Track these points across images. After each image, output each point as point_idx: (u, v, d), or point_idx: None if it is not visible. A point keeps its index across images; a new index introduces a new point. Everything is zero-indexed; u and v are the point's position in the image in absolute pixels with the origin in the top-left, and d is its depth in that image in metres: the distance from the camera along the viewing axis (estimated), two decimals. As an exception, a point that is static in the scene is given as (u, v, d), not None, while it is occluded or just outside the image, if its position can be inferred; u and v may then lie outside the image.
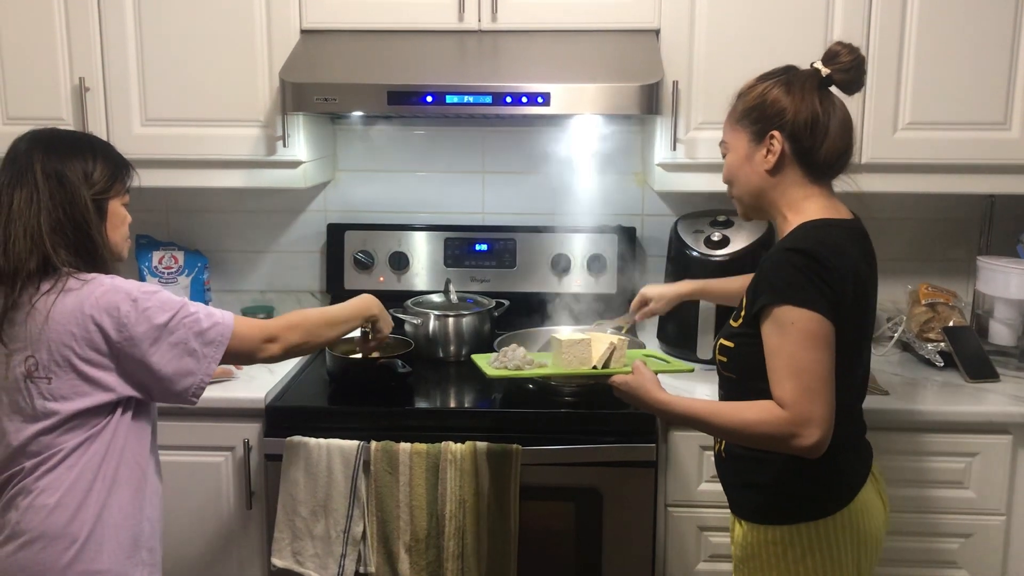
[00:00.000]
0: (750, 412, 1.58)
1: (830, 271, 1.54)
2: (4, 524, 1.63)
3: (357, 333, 2.13)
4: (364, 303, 2.02)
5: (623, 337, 2.08)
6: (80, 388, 1.62)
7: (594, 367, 2.00)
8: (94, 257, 1.66)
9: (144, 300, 1.63)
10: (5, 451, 1.65)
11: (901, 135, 2.36)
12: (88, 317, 1.60)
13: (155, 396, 1.69)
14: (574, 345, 2.02)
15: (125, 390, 1.65)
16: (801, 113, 1.63)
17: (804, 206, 1.66)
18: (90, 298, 1.60)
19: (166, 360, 1.64)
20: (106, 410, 1.64)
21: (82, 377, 1.61)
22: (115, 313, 1.60)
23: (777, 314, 1.55)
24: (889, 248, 2.65)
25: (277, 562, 2.14)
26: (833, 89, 1.68)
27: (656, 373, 1.81)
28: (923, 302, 2.57)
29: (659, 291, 2.27)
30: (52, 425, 1.61)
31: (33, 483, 1.61)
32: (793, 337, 1.53)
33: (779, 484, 1.66)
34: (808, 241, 1.59)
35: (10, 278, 1.61)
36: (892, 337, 2.57)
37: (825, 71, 1.66)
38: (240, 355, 1.76)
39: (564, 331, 2.34)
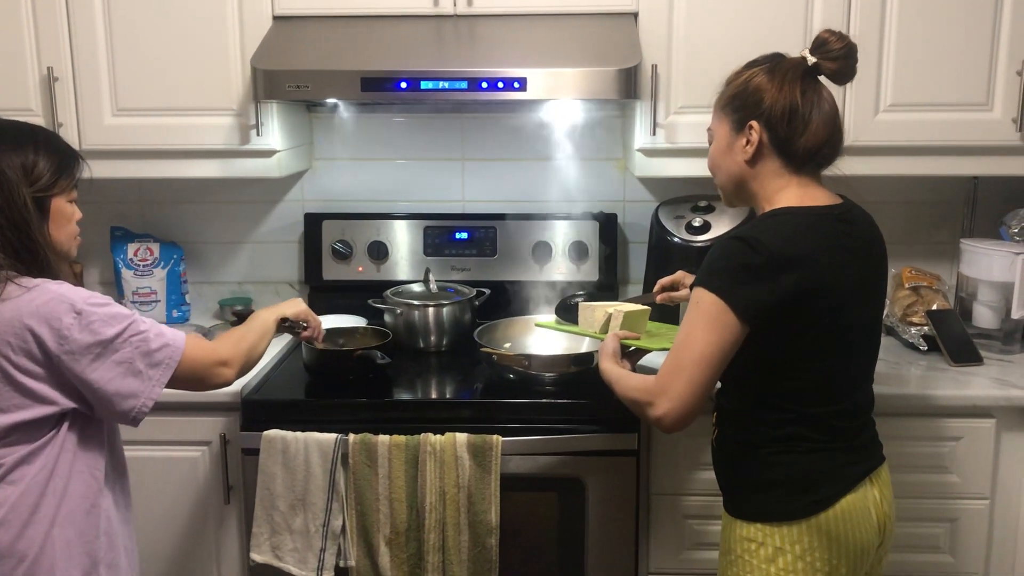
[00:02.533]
0: (635, 380, 1.67)
1: (759, 257, 1.52)
2: None
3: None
4: (264, 312, 1.95)
5: (635, 308, 2.06)
6: (18, 400, 1.53)
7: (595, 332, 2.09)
8: (35, 258, 1.56)
9: (89, 313, 1.53)
10: None
11: (883, 117, 2.33)
12: (25, 327, 1.50)
13: (97, 412, 1.59)
14: (586, 309, 2.14)
15: (67, 403, 1.56)
16: (779, 103, 1.60)
17: (777, 197, 1.64)
18: (30, 306, 1.51)
19: (107, 378, 1.55)
20: (50, 423, 1.56)
21: (19, 389, 1.52)
22: (56, 324, 1.51)
23: (694, 294, 1.58)
24: (872, 232, 2.63)
25: (256, 557, 2.11)
26: (824, 80, 1.64)
27: (632, 349, 1.89)
28: (906, 285, 2.55)
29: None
30: None
31: None
32: (693, 316, 1.56)
33: (755, 480, 1.64)
34: (751, 228, 1.58)
35: None
36: (875, 321, 2.55)
37: (812, 60, 1.62)
38: (190, 380, 1.67)
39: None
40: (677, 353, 1.56)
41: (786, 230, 1.57)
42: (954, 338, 2.37)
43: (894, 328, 2.52)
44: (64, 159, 1.64)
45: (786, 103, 1.59)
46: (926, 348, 2.40)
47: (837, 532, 1.60)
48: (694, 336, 1.55)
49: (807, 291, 1.54)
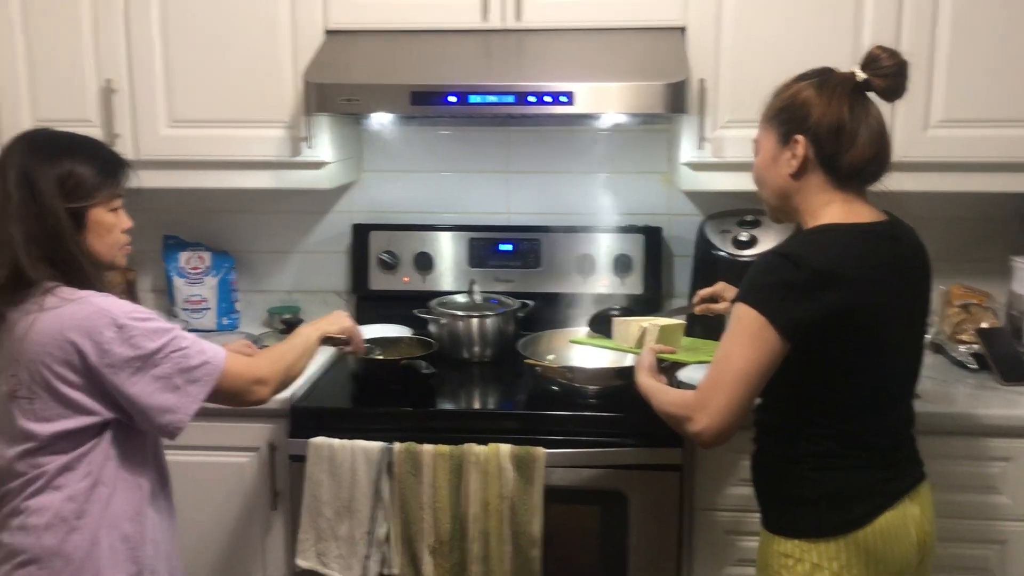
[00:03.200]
0: (673, 394, 1.68)
1: (801, 274, 1.51)
2: (0, 544, 1.60)
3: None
4: (307, 329, 1.95)
5: (670, 322, 2.06)
6: (59, 410, 1.55)
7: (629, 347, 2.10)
8: (73, 269, 1.57)
9: (130, 327, 1.54)
10: None
11: (932, 133, 2.31)
12: (67, 339, 1.52)
13: (137, 423, 1.61)
14: (621, 324, 2.15)
15: (107, 413, 1.58)
16: (826, 117, 1.59)
17: (822, 212, 1.63)
18: (72, 319, 1.53)
19: (146, 392, 1.56)
20: (92, 432, 1.58)
21: (62, 399, 1.54)
22: (97, 337, 1.52)
23: (735, 310, 1.57)
24: (921, 248, 2.60)
25: (301, 563, 2.14)
26: (873, 97, 1.63)
27: (667, 363, 1.90)
28: (956, 303, 2.52)
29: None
30: (33, 448, 1.56)
31: (22, 503, 1.57)
32: (734, 331, 1.56)
33: (793, 496, 1.63)
34: (794, 244, 1.58)
35: None
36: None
37: (862, 76, 1.61)
38: (227, 396, 1.68)
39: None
40: (717, 368, 1.56)
41: (829, 246, 1.56)
42: (1005, 356, 2.33)
43: (943, 346, 2.49)
44: (104, 169, 1.64)
45: (833, 118, 1.59)
46: (976, 367, 2.37)
47: (875, 549, 1.58)
48: (734, 352, 1.55)
49: (849, 308, 1.53)
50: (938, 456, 2.09)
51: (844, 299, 1.52)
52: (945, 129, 2.31)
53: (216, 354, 1.65)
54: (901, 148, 2.29)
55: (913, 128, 2.31)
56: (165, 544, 1.72)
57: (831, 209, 1.62)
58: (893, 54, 1.62)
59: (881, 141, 1.62)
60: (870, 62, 1.62)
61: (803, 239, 1.61)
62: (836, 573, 1.58)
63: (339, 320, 2.04)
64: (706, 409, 1.55)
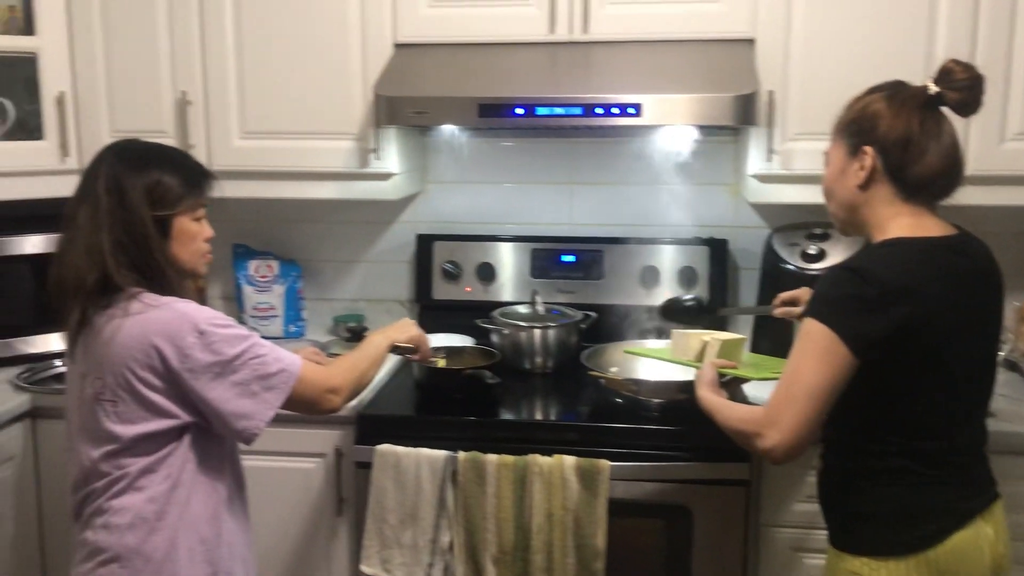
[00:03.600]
0: (740, 410, 1.67)
1: (871, 288, 1.50)
2: (83, 542, 1.64)
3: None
4: (377, 337, 1.97)
5: (731, 337, 2.04)
6: (143, 413, 1.59)
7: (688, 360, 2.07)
8: (157, 276, 1.62)
9: (211, 333, 1.58)
10: (80, 470, 1.66)
11: (1009, 146, 2.27)
12: (151, 343, 1.56)
13: (214, 428, 1.64)
14: (681, 337, 2.14)
15: (187, 416, 1.61)
16: (895, 129, 1.58)
17: (890, 225, 1.61)
18: (156, 324, 1.57)
19: (224, 398, 1.60)
20: (172, 435, 1.61)
21: (144, 402, 1.58)
22: (179, 342, 1.56)
23: (804, 325, 1.56)
24: (995, 263, 2.54)
25: (366, 569, 2.17)
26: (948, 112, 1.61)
27: (728, 378, 1.89)
28: (1031, 320, 2.46)
29: None
30: (116, 449, 1.60)
31: (106, 503, 1.61)
32: (804, 347, 1.54)
33: (862, 513, 1.61)
34: (862, 259, 1.57)
35: (73, 295, 1.60)
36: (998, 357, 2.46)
37: (935, 89, 1.59)
38: (302, 403, 1.71)
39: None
40: (787, 384, 1.55)
41: (898, 261, 1.55)
42: (1083, 375, 2.27)
43: (1017, 363, 2.43)
44: (190, 179, 1.68)
45: (902, 130, 1.58)
46: (1053, 385, 2.31)
47: (947, 569, 1.55)
48: (805, 367, 1.53)
49: (918, 324, 1.51)
50: (1012, 476, 2.04)
51: (913, 314, 1.51)
52: (1021, 142, 2.26)
53: (293, 362, 1.68)
54: (976, 161, 2.26)
55: (988, 141, 2.26)
56: (240, 547, 1.75)
57: (899, 222, 1.60)
58: (968, 67, 1.59)
59: (953, 156, 1.60)
60: (944, 76, 1.60)
61: (871, 253, 1.60)
62: None
63: (407, 329, 2.06)
64: (777, 425, 1.54)
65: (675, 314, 2.21)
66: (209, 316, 1.61)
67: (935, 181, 1.60)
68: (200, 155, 2.49)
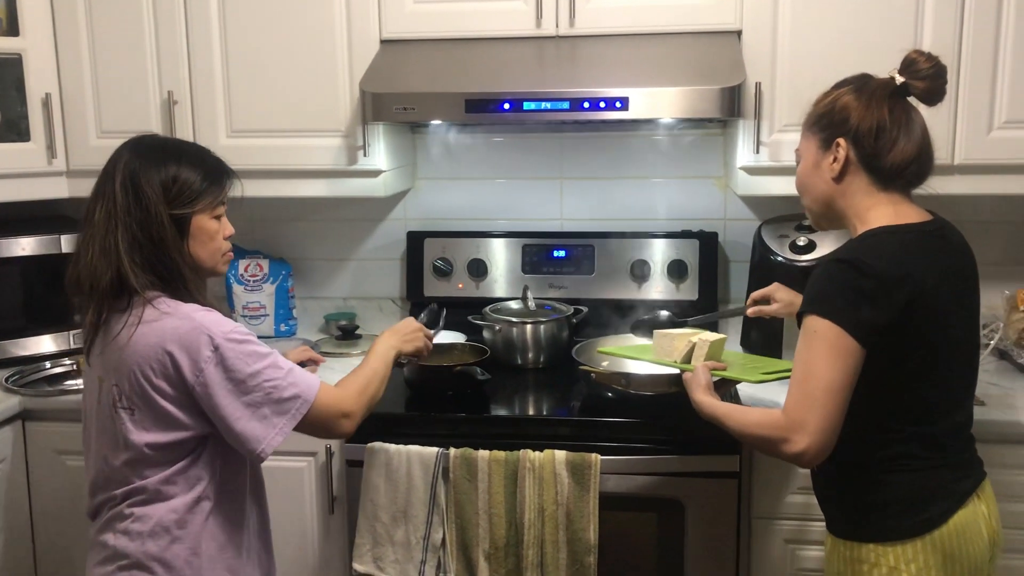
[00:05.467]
0: (755, 414, 1.64)
1: (869, 279, 1.51)
2: (103, 544, 1.63)
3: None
4: (385, 350, 1.91)
5: (717, 337, 2.03)
6: (159, 423, 1.56)
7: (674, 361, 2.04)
8: (173, 276, 1.58)
9: (227, 348, 1.54)
10: (98, 473, 1.64)
11: (996, 135, 2.26)
12: (166, 352, 1.53)
13: (228, 441, 1.60)
14: (663, 337, 2.11)
15: (201, 428, 1.58)
16: (866, 120, 1.61)
17: (869, 215, 1.63)
18: (174, 333, 1.53)
19: (235, 417, 1.55)
20: (192, 445, 1.60)
21: (159, 411, 1.55)
22: (195, 355, 1.52)
23: (806, 323, 1.55)
24: (985, 252, 2.50)
25: (358, 567, 2.16)
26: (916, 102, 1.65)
27: (720, 378, 1.89)
28: (1021, 308, 2.46)
29: (789, 298, 2.12)
30: (136, 457, 1.58)
31: (127, 509, 1.60)
32: (812, 345, 1.53)
33: (866, 501, 1.62)
34: (854, 250, 1.58)
35: (89, 295, 1.57)
36: (988, 345, 2.46)
37: (900, 80, 1.63)
38: (314, 428, 1.67)
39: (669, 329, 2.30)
40: (804, 385, 1.54)
41: (889, 249, 1.56)
42: (1074, 363, 2.27)
43: (1008, 352, 2.43)
44: (209, 176, 1.64)
45: (873, 120, 1.61)
46: (1043, 373, 2.31)
47: (952, 549, 1.58)
48: (818, 365, 1.53)
49: (916, 309, 1.53)
50: (1001, 465, 2.05)
51: (911, 300, 1.52)
52: (1010, 131, 2.25)
53: (308, 387, 1.62)
54: (964, 151, 2.26)
55: (976, 131, 2.26)
56: (261, 554, 1.75)
57: (878, 211, 1.63)
58: (930, 57, 1.63)
59: (923, 143, 1.63)
60: (908, 66, 1.64)
61: (860, 243, 1.60)
62: (915, 575, 1.56)
63: (415, 340, 2.02)
64: (804, 428, 1.52)
65: (648, 331, 2.22)
66: (227, 329, 1.56)
67: (908, 168, 1.62)
68: (188, 154, 2.48)
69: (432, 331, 2.15)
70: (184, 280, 1.59)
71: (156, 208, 1.56)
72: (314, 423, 1.65)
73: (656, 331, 2.16)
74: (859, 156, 1.63)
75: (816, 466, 1.73)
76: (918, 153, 1.62)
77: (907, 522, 1.58)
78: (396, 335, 1.98)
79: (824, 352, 1.52)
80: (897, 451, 1.60)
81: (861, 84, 1.66)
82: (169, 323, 1.54)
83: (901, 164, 1.61)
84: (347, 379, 1.80)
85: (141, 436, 1.57)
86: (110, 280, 1.55)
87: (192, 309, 1.57)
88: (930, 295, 1.55)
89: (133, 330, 1.54)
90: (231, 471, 1.66)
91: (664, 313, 2.38)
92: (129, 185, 1.56)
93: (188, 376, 1.53)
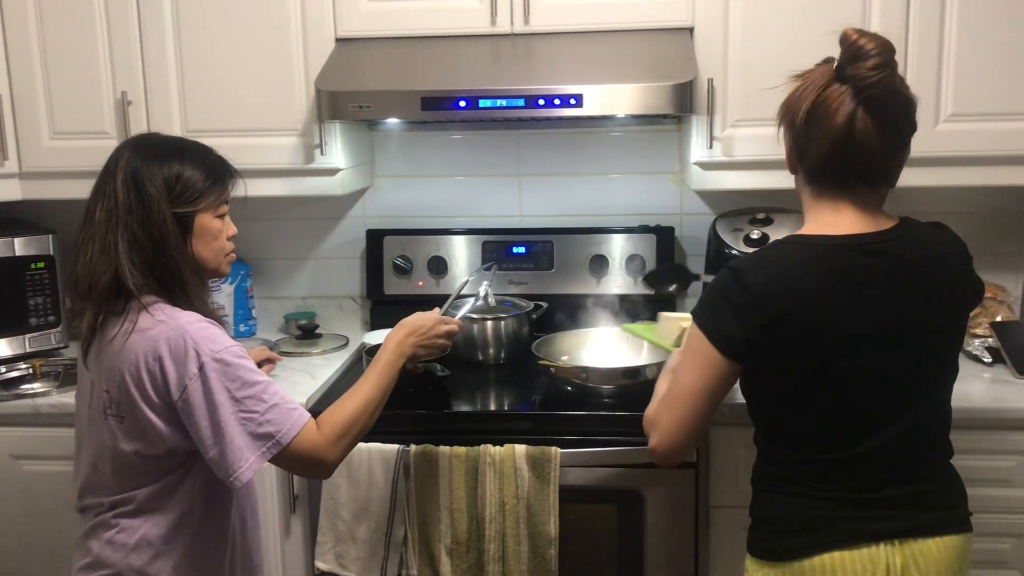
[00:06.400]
0: (653, 404, 1.65)
1: (740, 292, 1.46)
2: (87, 550, 1.61)
3: None
4: (395, 359, 1.81)
5: None
6: (145, 434, 1.53)
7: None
8: (172, 279, 1.54)
9: (212, 370, 1.48)
10: (88, 479, 1.62)
11: (943, 127, 2.31)
12: (156, 362, 1.49)
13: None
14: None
15: (188, 444, 1.54)
16: (795, 111, 1.52)
17: (808, 217, 1.57)
18: (164, 344, 1.49)
19: (209, 442, 1.50)
20: (179, 459, 1.57)
21: (145, 422, 1.52)
22: (182, 371, 1.48)
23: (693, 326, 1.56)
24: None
25: (321, 565, 2.16)
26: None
27: None
28: (970, 297, 2.51)
29: None
30: (125, 467, 1.55)
31: (113, 519, 1.58)
32: (685, 348, 1.57)
33: (752, 512, 1.65)
34: (747, 259, 1.53)
35: (87, 296, 1.53)
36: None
37: (835, 64, 1.51)
38: (288, 467, 1.63)
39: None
40: (670, 386, 1.57)
41: (779, 263, 1.49)
42: (1019, 350, 2.33)
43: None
44: (212, 174, 1.61)
45: (802, 111, 1.50)
46: (990, 360, 2.36)
47: None
48: (682, 369, 1.55)
49: (791, 329, 1.45)
50: (955, 451, 2.09)
51: (782, 319, 1.45)
52: (956, 124, 2.31)
53: (287, 429, 1.53)
54: (912, 143, 2.29)
55: (924, 123, 2.25)
56: (245, 569, 1.74)
57: (816, 214, 1.54)
58: (874, 37, 1.47)
59: (840, 141, 1.46)
60: (847, 49, 1.49)
61: (760, 252, 1.55)
62: None
63: (434, 344, 1.93)
64: (657, 428, 1.56)
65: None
66: (218, 349, 1.50)
67: (825, 166, 1.50)
68: (143, 155, 2.46)
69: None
70: (183, 283, 1.55)
71: (159, 206, 1.53)
72: (286, 465, 1.61)
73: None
74: (795, 149, 1.56)
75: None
76: (832, 151, 1.47)
77: (772, 545, 1.56)
78: (413, 335, 1.87)
79: (690, 357, 1.53)
80: (776, 472, 1.58)
81: (806, 72, 1.54)
82: (163, 333, 1.50)
83: (817, 161, 1.50)
84: (334, 412, 1.66)
85: (129, 446, 1.54)
86: (108, 281, 1.52)
87: (188, 320, 1.52)
88: (816, 316, 1.45)
89: (127, 337, 1.51)
90: (220, 487, 1.61)
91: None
92: (131, 183, 1.53)
93: (173, 391, 1.50)
